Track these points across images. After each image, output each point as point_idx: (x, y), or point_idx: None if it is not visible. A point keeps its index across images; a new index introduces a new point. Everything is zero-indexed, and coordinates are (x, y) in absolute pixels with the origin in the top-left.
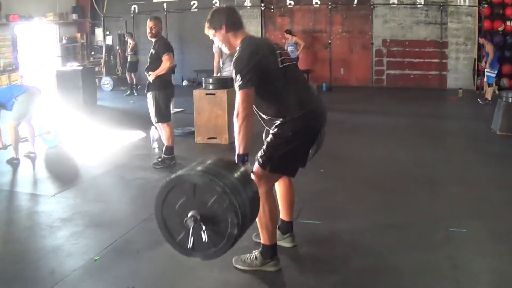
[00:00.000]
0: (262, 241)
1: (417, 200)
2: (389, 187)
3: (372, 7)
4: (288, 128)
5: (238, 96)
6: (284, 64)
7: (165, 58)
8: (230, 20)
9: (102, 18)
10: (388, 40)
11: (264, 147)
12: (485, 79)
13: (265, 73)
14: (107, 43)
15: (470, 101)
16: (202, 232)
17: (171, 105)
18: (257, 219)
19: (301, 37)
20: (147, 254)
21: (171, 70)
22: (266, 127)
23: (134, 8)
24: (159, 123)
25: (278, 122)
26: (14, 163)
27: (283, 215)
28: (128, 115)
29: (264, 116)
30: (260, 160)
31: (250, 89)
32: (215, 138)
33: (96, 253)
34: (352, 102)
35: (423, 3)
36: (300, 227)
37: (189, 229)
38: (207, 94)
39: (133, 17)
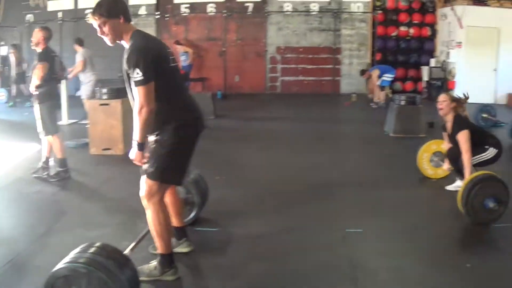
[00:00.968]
0: (159, 251)
1: (314, 203)
2: (286, 191)
3: (266, 14)
4: (175, 134)
5: (140, 91)
6: (174, 64)
7: (37, 67)
8: (128, 10)
9: None
10: (283, 47)
11: (151, 157)
12: (379, 82)
13: (160, 69)
14: (2, 54)
15: (363, 105)
16: None
17: (57, 117)
18: (152, 230)
19: (189, 45)
20: (50, 269)
21: (56, 80)
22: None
23: (29, 17)
24: (48, 136)
25: (167, 126)
26: None
27: (174, 222)
28: (23, 127)
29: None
30: (149, 171)
31: (151, 84)
32: (110, 149)
33: None
34: (247, 109)
35: (317, 10)
36: (198, 235)
37: None
38: (101, 104)
39: (28, 27)
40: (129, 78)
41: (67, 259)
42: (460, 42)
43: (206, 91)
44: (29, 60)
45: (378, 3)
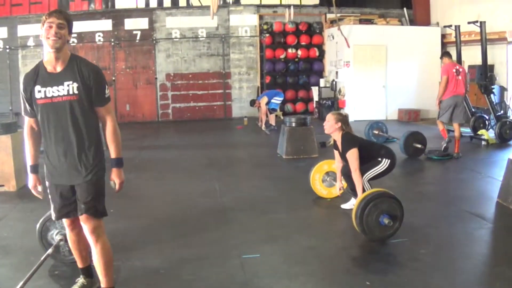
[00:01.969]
0: (107, 285)
1: (209, 231)
2: (181, 220)
3: (154, 42)
4: (104, 168)
5: (111, 108)
6: None
7: None
8: None
9: None
10: (172, 74)
11: (97, 194)
12: (268, 106)
13: None
14: None
15: (255, 128)
16: None
17: None
18: (104, 264)
19: None
20: None
21: None
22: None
23: None
24: None
25: (102, 157)
26: None
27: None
28: None
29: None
30: (99, 209)
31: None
32: (3, 185)
33: None
34: (139, 138)
35: (205, 36)
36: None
37: None
38: None
39: None
40: (87, 96)
41: None
42: (348, 61)
43: None
44: None
45: (265, 27)
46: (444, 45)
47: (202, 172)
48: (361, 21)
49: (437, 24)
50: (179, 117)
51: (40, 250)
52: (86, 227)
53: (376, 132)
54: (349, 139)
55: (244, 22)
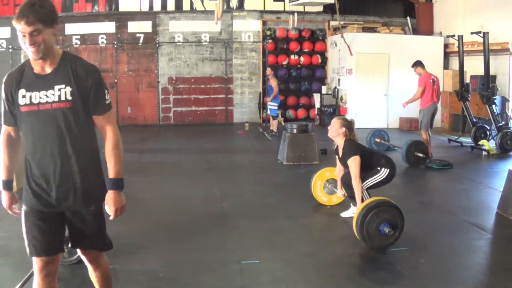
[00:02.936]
0: None
1: (208, 236)
2: (180, 225)
3: (157, 45)
4: (105, 191)
5: (112, 116)
6: None
7: None
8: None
9: None
10: (174, 78)
11: (100, 228)
12: (269, 112)
13: None
14: None
15: (256, 133)
16: None
17: None
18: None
19: None
20: None
21: None
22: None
23: None
24: None
25: (98, 184)
26: None
27: None
28: None
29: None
30: (108, 244)
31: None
32: None
33: None
34: (140, 141)
35: (208, 40)
36: None
37: None
38: None
39: None
40: (83, 103)
41: None
42: (351, 69)
43: None
44: None
45: (268, 33)
46: (446, 54)
47: (202, 176)
48: (364, 29)
49: (440, 33)
50: (180, 121)
51: None
52: (85, 258)
53: (378, 140)
54: (351, 146)
55: (248, 28)
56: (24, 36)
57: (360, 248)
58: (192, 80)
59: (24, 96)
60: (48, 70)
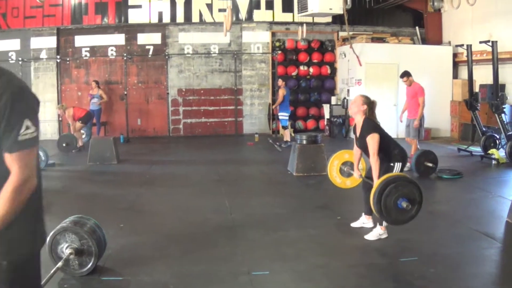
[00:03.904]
0: None
1: (218, 247)
2: (190, 236)
3: (167, 57)
4: (32, 244)
5: (30, 156)
6: None
7: None
8: None
9: None
10: (184, 90)
11: None
12: (280, 122)
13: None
14: None
15: (266, 145)
16: None
17: None
18: None
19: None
20: None
21: None
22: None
23: None
24: None
25: (19, 234)
26: None
27: None
28: None
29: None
30: None
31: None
32: None
33: None
34: (150, 153)
35: (217, 52)
36: (103, 285)
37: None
38: None
39: None
40: None
41: None
42: (360, 79)
43: (108, 135)
44: None
45: (277, 44)
46: (455, 64)
47: (212, 188)
48: (373, 40)
49: (449, 43)
50: (190, 133)
51: (50, 263)
52: None
53: None
54: (371, 124)
55: (257, 39)
56: None
57: (370, 258)
58: (202, 91)
59: None
60: None
